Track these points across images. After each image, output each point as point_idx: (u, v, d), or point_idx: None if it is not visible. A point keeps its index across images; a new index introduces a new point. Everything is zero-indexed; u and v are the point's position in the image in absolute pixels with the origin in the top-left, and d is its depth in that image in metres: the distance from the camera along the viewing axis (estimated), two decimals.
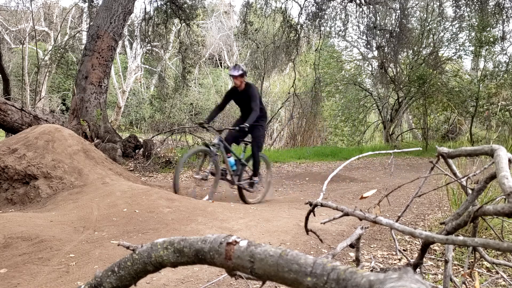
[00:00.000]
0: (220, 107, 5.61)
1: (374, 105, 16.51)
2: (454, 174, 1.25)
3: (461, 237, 0.74)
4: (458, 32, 14.36)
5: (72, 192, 4.08)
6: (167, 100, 15.18)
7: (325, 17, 12.62)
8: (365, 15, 12.22)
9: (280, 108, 17.97)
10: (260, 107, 5.36)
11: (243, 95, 5.35)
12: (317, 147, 14.74)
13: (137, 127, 21.32)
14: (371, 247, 2.97)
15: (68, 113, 10.23)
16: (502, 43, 13.11)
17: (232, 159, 5.36)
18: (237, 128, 5.18)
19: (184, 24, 11.89)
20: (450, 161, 1.23)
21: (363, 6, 11.98)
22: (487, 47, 13.36)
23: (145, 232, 3.09)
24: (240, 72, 5.26)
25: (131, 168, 7.76)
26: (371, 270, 1.29)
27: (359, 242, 1.18)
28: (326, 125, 17.64)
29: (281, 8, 12.63)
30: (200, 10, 13.97)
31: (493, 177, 1.03)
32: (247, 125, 5.04)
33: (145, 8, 12.15)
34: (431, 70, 12.96)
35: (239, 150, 6.03)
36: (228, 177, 5.28)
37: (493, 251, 2.42)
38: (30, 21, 16.78)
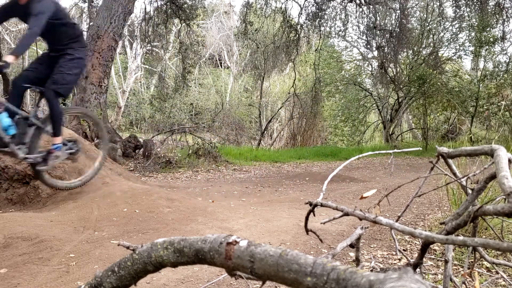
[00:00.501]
0: None
1: (374, 105, 16.51)
2: (454, 174, 1.25)
3: (461, 237, 0.74)
4: (458, 32, 14.37)
5: (72, 192, 4.08)
6: (167, 100, 15.17)
7: (325, 17, 12.62)
8: (365, 15, 12.23)
9: (280, 108, 17.97)
10: (72, 29, 3.59)
11: (26, 12, 3.29)
12: (317, 147, 14.74)
13: (137, 127, 21.30)
14: (371, 247, 2.97)
15: None
16: (502, 43, 13.12)
17: (4, 117, 3.32)
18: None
19: (184, 24, 11.89)
20: (450, 161, 1.23)
21: (363, 6, 11.97)
22: (487, 47, 13.36)
23: (145, 232, 3.09)
24: None
25: (131, 168, 7.76)
26: (371, 270, 1.29)
27: (359, 242, 1.18)
28: (326, 125, 17.64)
29: (281, 8, 12.63)
30: (200, 10, 13.96)
31: (493, 177, 1.03)
32: (7, 61, 3.09)
33: (145, 8, 12.15)
34: (431, 70, 12.97)
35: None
36: (7, 147, 3.29)
37: (493, 251, 2.42)
38: None
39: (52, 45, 3.60)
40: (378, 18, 12.39)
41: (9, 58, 3.13)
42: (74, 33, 3.62)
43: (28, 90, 3.82)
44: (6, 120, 3.35)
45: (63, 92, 3.61)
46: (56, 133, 3.64)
